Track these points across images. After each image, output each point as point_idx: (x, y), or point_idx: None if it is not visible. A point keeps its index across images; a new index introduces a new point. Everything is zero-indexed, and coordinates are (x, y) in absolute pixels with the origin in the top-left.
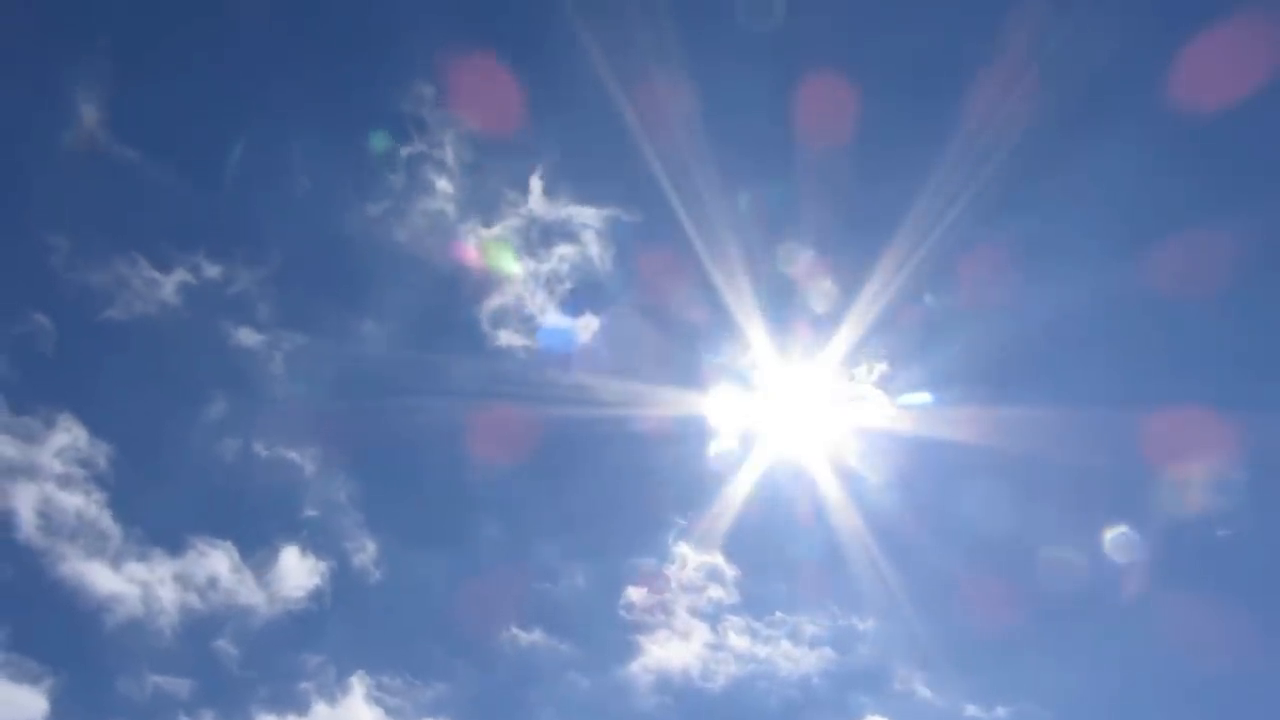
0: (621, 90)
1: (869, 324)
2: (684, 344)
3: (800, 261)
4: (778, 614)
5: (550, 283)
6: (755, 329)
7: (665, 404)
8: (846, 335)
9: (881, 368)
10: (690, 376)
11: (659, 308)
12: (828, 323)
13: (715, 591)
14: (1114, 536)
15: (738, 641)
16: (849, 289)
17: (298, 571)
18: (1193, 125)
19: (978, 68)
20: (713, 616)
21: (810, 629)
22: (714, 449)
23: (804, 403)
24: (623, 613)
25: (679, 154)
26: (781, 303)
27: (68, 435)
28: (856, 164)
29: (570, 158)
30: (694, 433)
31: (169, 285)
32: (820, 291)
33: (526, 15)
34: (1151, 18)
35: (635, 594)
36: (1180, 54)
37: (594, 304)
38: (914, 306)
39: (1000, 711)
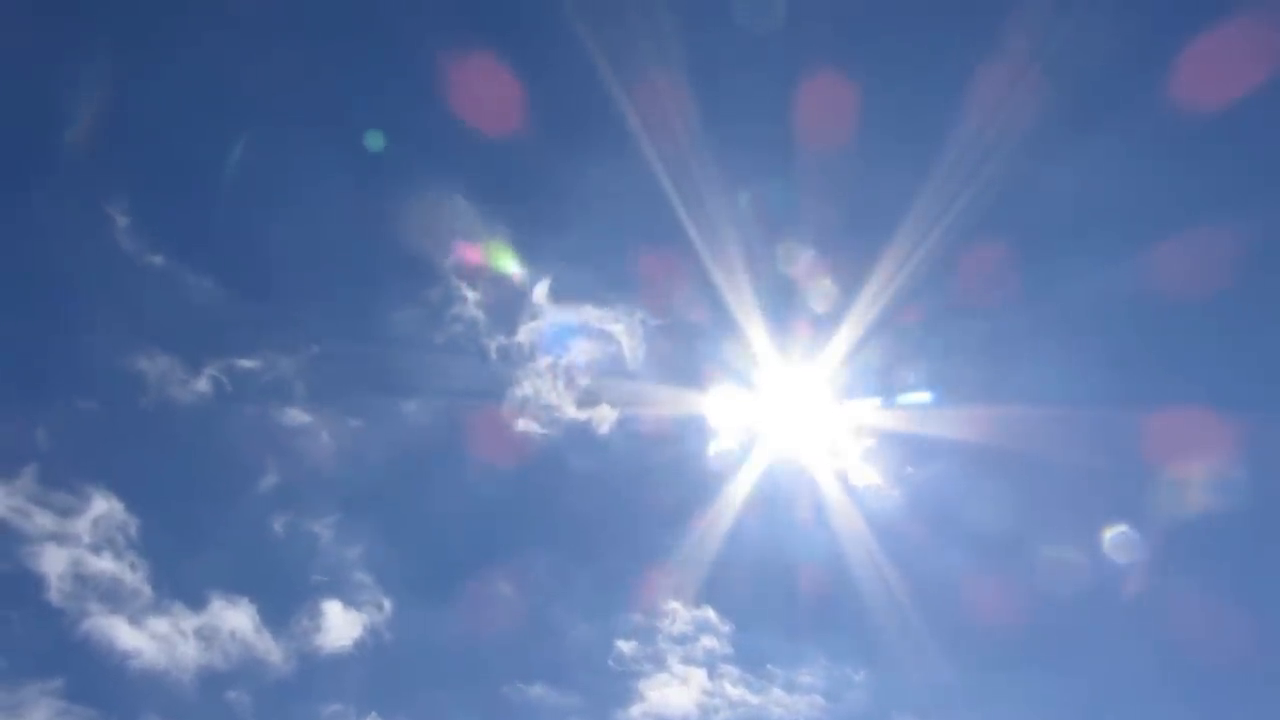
0: (622, 90)
1: (869, 324)
2: (684, 344)
3: (800, 261)
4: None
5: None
6: (755, 329)
7: (665, 404)
8: (846, 335)
9: (881, 368)
10: (690, 376)
11: (659, 307)
12: (828, 323)
13: (709, 641)
14: (1114, 536)
15: (733, 692)
16: (849, 289)
17: (322, 628)
18: (1193, 125)
19: (978, 67)
20: (707, 664)
21: (805, 678)
22: (714, 449)
23: (804, 403)
24: (612, 664)
25: (679, 154)
26: (781, 303)
27: (104, 505)
28: (856, 164)
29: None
30: (694, 433)
31: (201, 381)
32: (820, 291)
33: (526, 14)
34: (1151, 18)
35: (626, 646)
36: (1180, 54)
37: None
38: (914, 306)
39: None
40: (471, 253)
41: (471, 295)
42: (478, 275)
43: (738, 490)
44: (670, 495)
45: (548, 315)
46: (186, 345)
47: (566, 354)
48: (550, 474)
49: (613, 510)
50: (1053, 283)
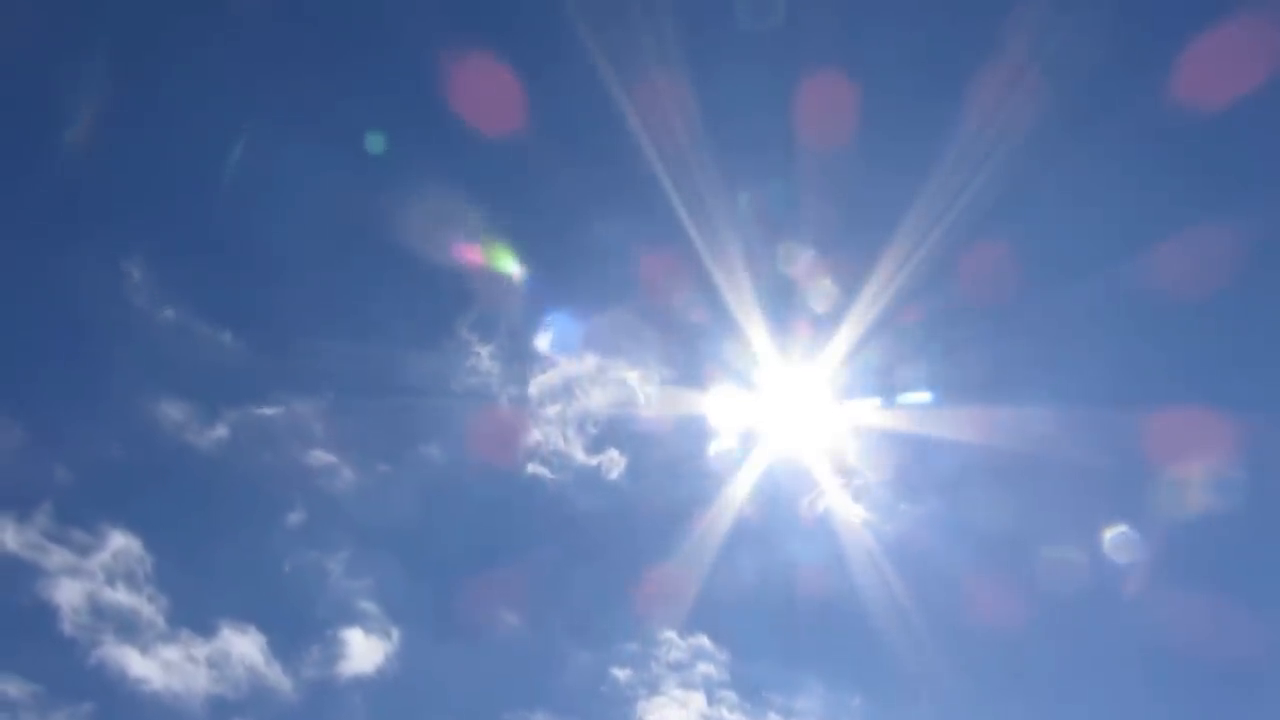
0: (621, 90)
1: (869, 324)
2: (684, 344)
3: (800, 261)
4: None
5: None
6: (755, 329)
7: (665, 404)
8: (846, 335)
9: (881, 368)
10: (690, 376)
11: (659, 307)
12: (828, 323)
13: (705, 667)
14: (1114, 536)
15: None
16: (849, 289)
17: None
18: (1193, 125)
19: (978, 67)
20: (706, 689)
21: (802, 704)
22: (714, 449)
23: (804, 403)
24: (606, 690)
25: (679, 153)
26: (781, 303)
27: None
28: (857, 164)
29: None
30: (694, 432)
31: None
32: (820, 291)
33: (526, 15)
34: (1151, 18)
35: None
36: (1180, 54)
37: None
38: (914, 306)
39: None
40: (475, 258)
41: (484, 349)
42: (490, 327)
43: (737, 491)
44: (668, 507)
45: (558, 365)
46: (204, 393)
47: (575, 401)
48: (555, 513)
49: (610, 539)
50: (1053, 283)
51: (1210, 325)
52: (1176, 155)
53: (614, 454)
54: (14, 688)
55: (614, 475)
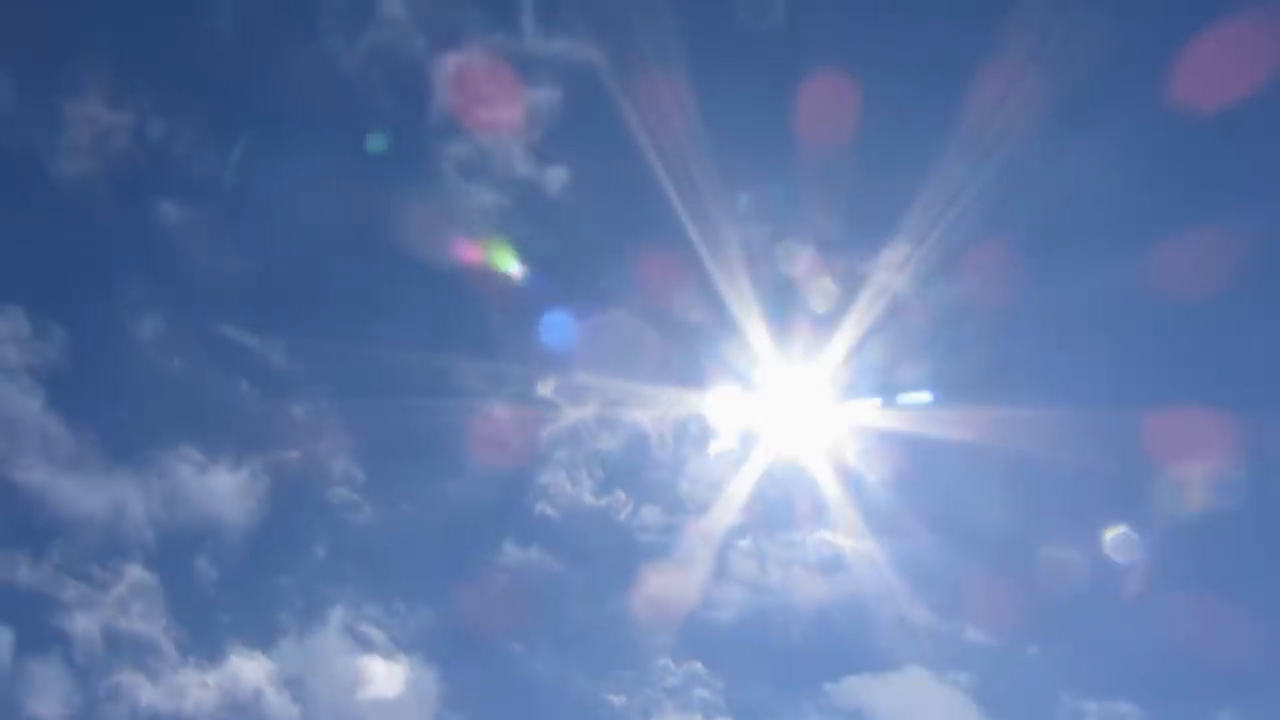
0: (621, 89)
1: (869, 324)
2: (684, 344)
3: (800, 261)
4: None
5: None
6: (755, 329)
7: (665, 404)
8: (846, 335)
9: (881, 368)
10: (690, 376)
11: (659, 307)
12: (828, 323)
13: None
14: (1114, 536)
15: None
16: (849, 289)
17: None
18: (1193, 125)
19: (978, 67)
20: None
21: None
22: (714, 449)
23: (804, 403)
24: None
25: (678, 153)
26: (781, 303)
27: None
28: (857, 163)
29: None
30: (694, 433)
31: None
32: (820, 291)
33: (526, 14)
34: (1151, 17)
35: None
36: (1180, 54)
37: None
38: (914, 306)
39: None
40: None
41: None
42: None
43: (738, 491)
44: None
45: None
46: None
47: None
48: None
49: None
50: (1053, 283)
51: (1210, 325)
52: (1176, 155)
53: (621, 494)
54: None
55: (621, 517)
